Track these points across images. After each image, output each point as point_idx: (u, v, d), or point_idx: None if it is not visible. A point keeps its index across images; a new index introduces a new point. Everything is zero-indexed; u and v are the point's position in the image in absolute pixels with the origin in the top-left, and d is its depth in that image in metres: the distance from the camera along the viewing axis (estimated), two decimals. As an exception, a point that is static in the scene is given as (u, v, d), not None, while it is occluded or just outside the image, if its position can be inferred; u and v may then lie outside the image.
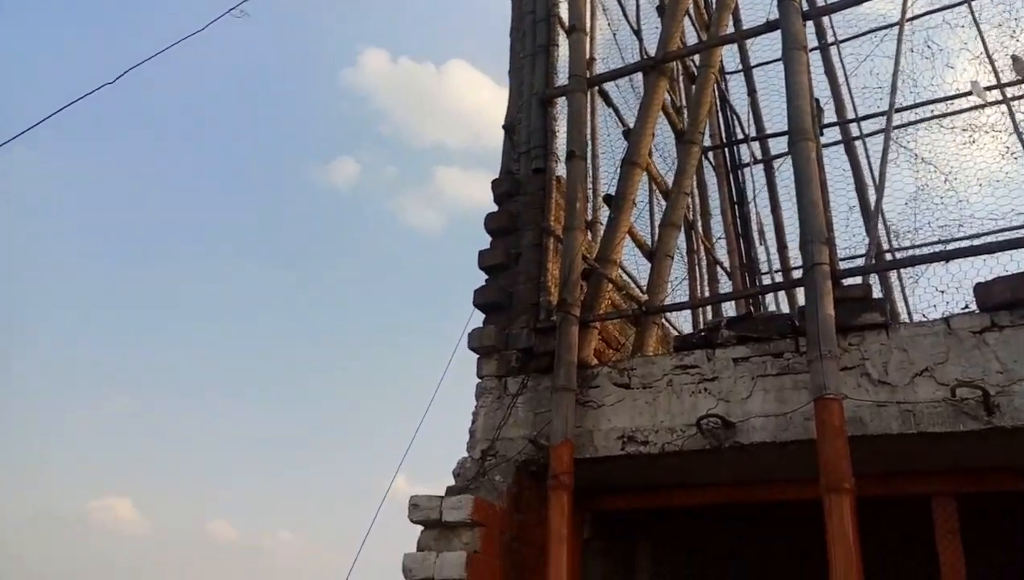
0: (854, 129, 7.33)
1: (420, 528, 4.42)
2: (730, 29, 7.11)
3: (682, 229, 6.12)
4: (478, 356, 5.07)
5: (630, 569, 5.63)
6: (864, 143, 7.14)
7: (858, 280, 4.28)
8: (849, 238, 7.12)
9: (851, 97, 7.53)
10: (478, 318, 5.22)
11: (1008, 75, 6.75)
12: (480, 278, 5.29)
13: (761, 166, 8.40)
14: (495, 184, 5.41)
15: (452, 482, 4.63)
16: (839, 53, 7.97)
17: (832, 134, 7.62)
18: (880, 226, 6.94)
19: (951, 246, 6.26)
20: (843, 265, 4.69)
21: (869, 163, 7.18)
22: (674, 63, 6.53)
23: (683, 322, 7.13)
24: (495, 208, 5.37)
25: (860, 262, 5.82)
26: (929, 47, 7.37)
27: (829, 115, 7.54)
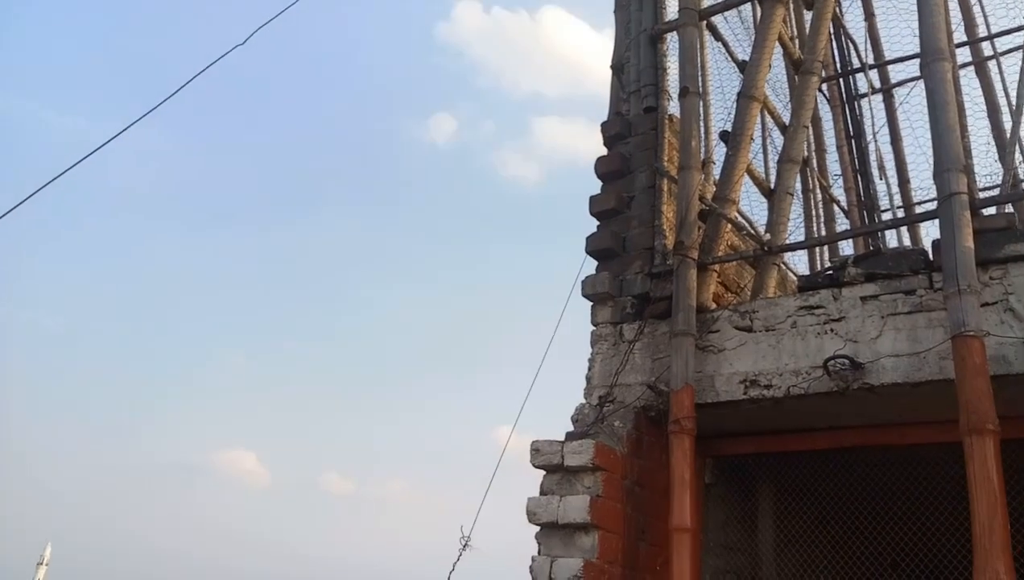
0: (986, 48, 6.84)
1: (542, 473, 4.49)
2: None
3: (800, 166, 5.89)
4: (592, 304, 5.06)
5: (751, 515, 5.60)
6: (998, 63, 6.66)
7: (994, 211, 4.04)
8: (979, 168, 6.70)
9: (983, 12, 7.00)
10: (590, 266, 5.21)
11: None
12: (589, 225, 5.26)
13: (880, 97, 7.96)
14: (605, 126, 5.33)
15: (554, 435, 4.64)
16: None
17: (960, 55, 7.13)
18: (1016, 154, 6.50)
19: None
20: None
21: (1004, 86, 6.70)
22: (787, -10, 6.21)
23: (796, 264, 6.92)
24: (593, 157, 5.31)
25: (993, 194, 5.48)
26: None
27: (957, 35, 7.05)
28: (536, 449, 4.44)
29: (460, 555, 4.26)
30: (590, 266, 5.20)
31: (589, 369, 4.98)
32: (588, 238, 5.12)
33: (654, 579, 4.50)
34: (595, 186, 5.31)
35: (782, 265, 6.17)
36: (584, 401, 4.93)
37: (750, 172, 5.31)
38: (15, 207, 4.18)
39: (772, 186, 5.43)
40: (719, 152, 5.25)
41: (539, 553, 4.30)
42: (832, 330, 4.12)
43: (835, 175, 7.86)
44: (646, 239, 4.92)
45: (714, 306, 4.72)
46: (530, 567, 4.26)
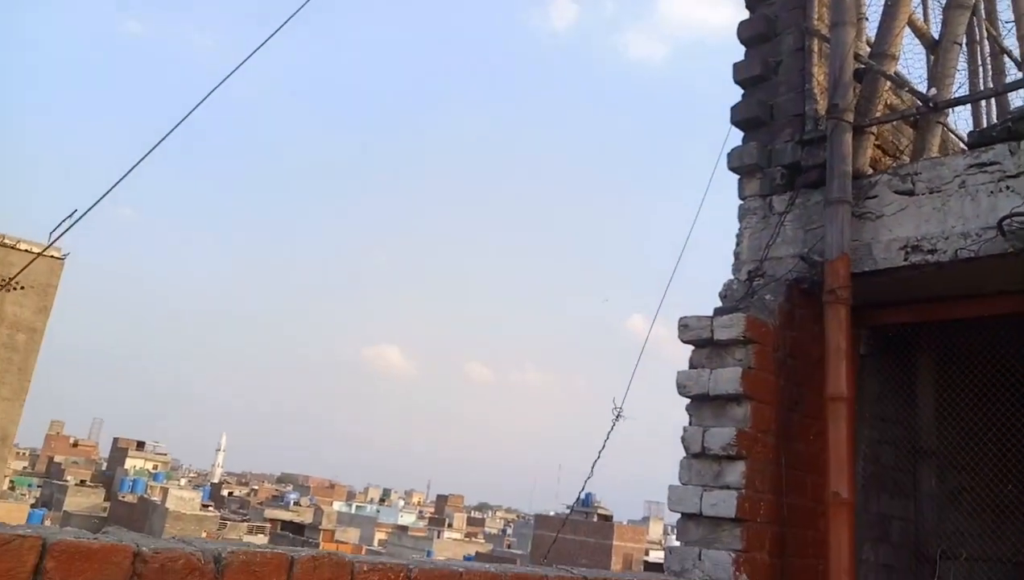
0: None
1: (690, 348, 4.56)
2: None
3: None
4: (739, 177, 4.96)
5: (909, 385, 5.48)
6: None
7: None
8: None
9: None
10: (735, 138, 5.08)
11: None
12: (730, 96, 5.09)
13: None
14: (746, -12, 5.07)
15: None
16: None
17: None
18: None
19: None
20: None
21: None
22: None
23: (957, 124, 6.45)
24: (722, 30, 5.08)
25: None
26: None
27: None
28: (684, 324, 4.49)
29: (614, 424, 4.45)
30: (735, 139, 5.07)
31: (737, 244, 4.94)
32: (733, 108, 4.97)
33: (807, 448, 4.54)
34: (724, 62, 5.12)
35: (944, 125, 5.78)
36: (732, 277, 4.91)
37: (912, 23, 4.94)
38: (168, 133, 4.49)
39: (936, 37, 5.04)
40: (872, 7, 4.91)
41: (690, 423, 4.42)
42: (1008, 188, 3.89)
43: (1007, 22, 7.16)
44: (795, 105, 4.73)
45: (871, 171, 4.53)
46: (682, 437, 4.39)
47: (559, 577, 3.16)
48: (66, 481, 68.16)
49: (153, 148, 4.41)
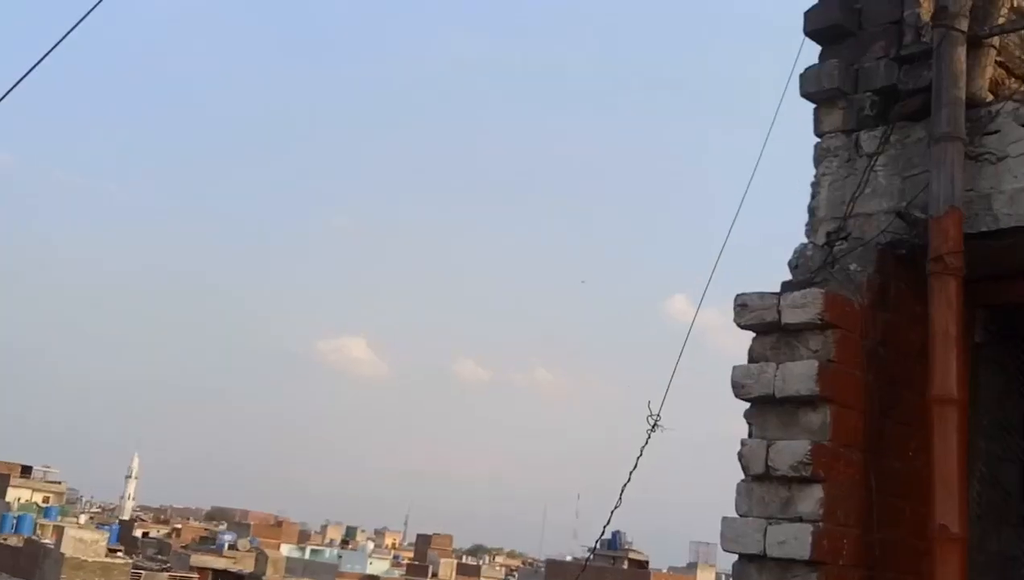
0: None
1: (750, 335, 4.55)
2: None
3: None
4: (815, 106, 4.95)
5: (1041, 384, 5.47)
6: None
7: None
8: None
9: None
10: (810, 55, 5.04)
11: None
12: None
13: None
14: None
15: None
16: None
17: None
18: None
19: None
20: None
21: None
22: None
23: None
24: None
25: None
26: None
27: None
28: (743, 304, 4.48)
29: (649, 436, 4.45)
30: (810, 55, 5.04)
31: (813, 197, 4.93)
32: (807, 14, 4.94)
33: (905, 467, 4.54)
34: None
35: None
36: (806, 241, 4.90)
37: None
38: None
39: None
40: None
41: (751, 435, 4.42)
42: None
43: None
44: (891, 9, 4.71)
45: (991, 97, 4.50)
46: (739, 453, 4.39)
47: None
48: (-72, 518, 68.62)
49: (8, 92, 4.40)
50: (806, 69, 4.91)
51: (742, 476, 4.39)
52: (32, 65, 4.48)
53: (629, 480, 4.45)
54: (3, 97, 4.55)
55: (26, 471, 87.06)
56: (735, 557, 4.39)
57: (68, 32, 4.71)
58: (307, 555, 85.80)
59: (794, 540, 4.10)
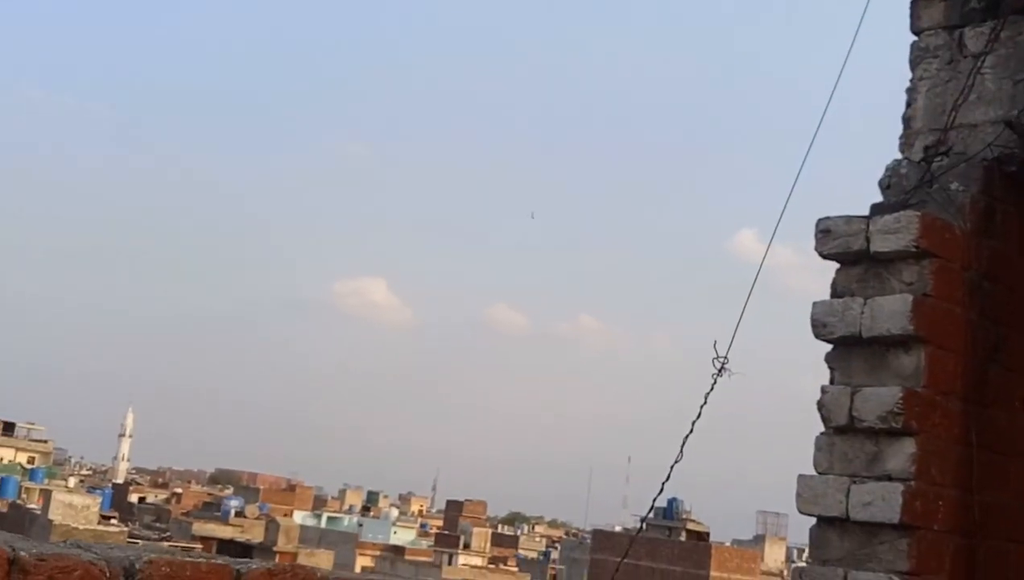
0: None
1: (834, 266, 4.53)
2: None
3: None
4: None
5: None
6: None
7: None
8: None
9: None
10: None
11: None
12: None
13: None
14: None
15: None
16: None
17: None
18: None
19: None
20: None
21: None
22: None
23: None
24: None
25: None
26: None
27: None
28: (825, 229, 4.45)
29: (715, 381, 4.44)
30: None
31: (908, 105, 4.89)
32: None
33: (1012, 419, 4.53)
34: None
35: None
36: (900, 157, 4.84)
37: None
38: None
39: None
40: None
41: (832, 381, 4.42)
42: None
43: None
44: None
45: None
46: (819, 401, 4.39)
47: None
48: (-97, 481, 70.44)
49: None
50: (902, -45, 4.84)
51: (821, 429, 4.39)
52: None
53: (691, 431, 4.45)
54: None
55: (8, 429, 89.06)
56: (809, 527, 4.40)
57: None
58: (323, 523, 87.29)
59: (881, 501, 4.11)
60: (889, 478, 4.13)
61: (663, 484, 4.48)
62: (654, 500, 4.92)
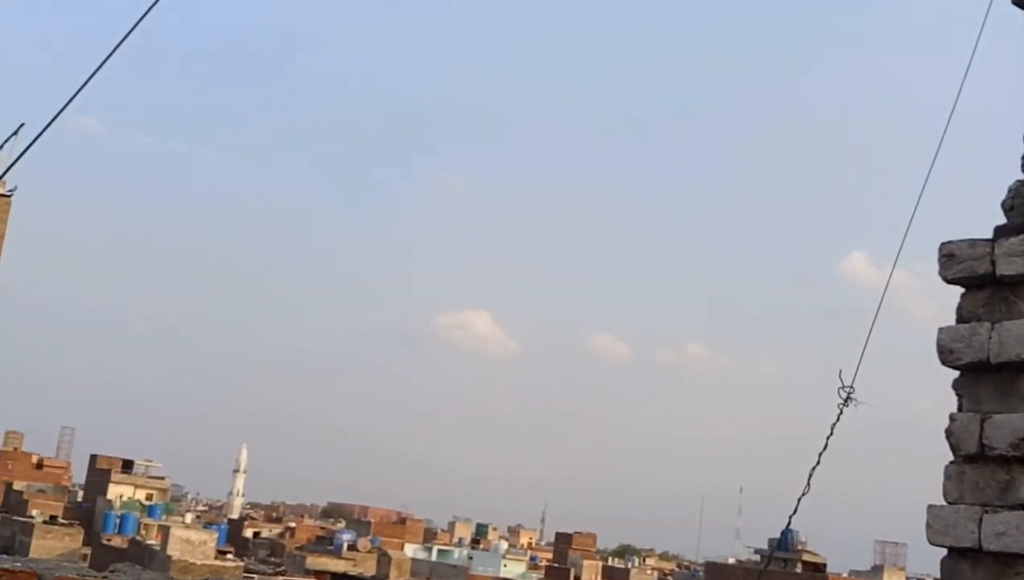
0: None
1: (956, 290, 4.46)
2: None
3: None
4: (1032, 15, 4.76)
5: None
6: None
7: None
8: None
9: None
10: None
11: None
12: None
13: None
14: None
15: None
16: None
17: None
18: None
19: None
20: None
21: None
22: None
23: None
24: None
25: None
26: None
27: None
28: (949, 253, 4.39)
29: (842, 410, 4.38)
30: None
31: (1030, 124, 4.75)
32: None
33: None
34: None
35: None
36: (1022, 177, 4.74)
37: None
38: None
39: None
40: None
41: (960, 408, 4.35)
42: None
43: None
44: None
45: None
46: (947, 429, 4.32)
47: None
48: (31, 517, 72.55)
49: (113, 50, 4.57)
50: (1020, -28, 4.74)
51: (950, 458, 4.31)
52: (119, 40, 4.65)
53: (819, 462, 4.38)
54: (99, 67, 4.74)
55: (127, 466, 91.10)
56: (939, 557, 4.31)
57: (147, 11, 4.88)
58: (434, 556, 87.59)
59: (1016, 531, 4.02)
60: (1023, 507, 4.04)
61: (790, 517, 4.41)
62: (782, 533, 4.84)
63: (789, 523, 4.48)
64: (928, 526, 4.31)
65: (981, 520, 4.13)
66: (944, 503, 4.28)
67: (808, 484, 4.39)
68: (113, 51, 4.76)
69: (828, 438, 4.42)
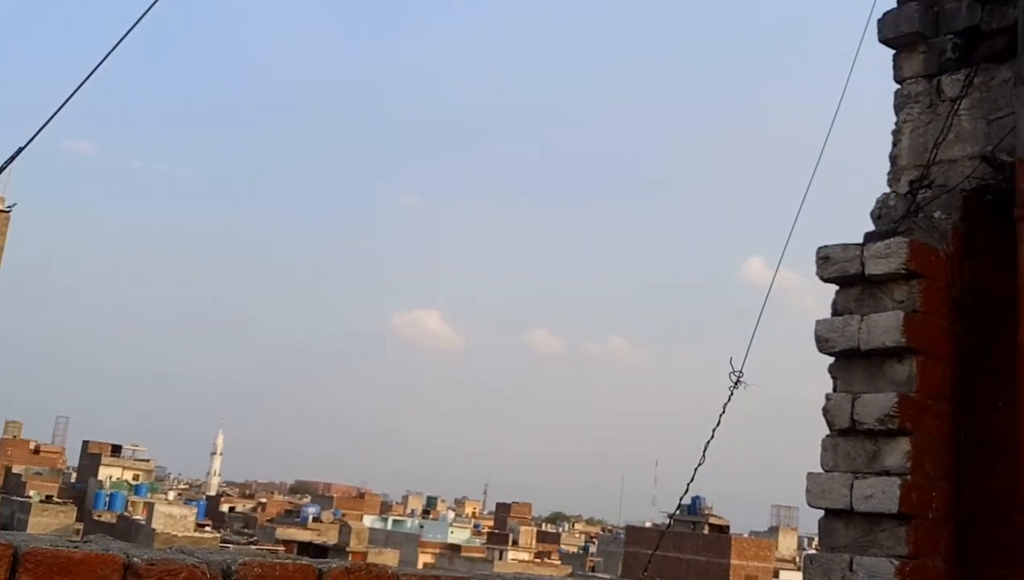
0: None
1: (833, 288, 4.50)
2: None
3: None
4: (894, 52, 4.84)
5: None
6: None
7: None
8: None
9: None
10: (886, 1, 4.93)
11: None
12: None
13: None
14: None
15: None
16: None
17: None
18: None
19: None
20: None
21: None
22: None
23: None
24: None
25: None
26: None
27: None
28: (825, 256, 4.43)
29: (732, 393, 4.42)
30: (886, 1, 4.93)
31: (894, 145, 4.84)
32: (883, -43, 4.82)
33: (996, 418, 4.46)
34: None
35: None
36: (888, 190, 4.81)
37: None
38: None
39: None
40: None
41: (835, 389, 4.38)
42: None
43: None
44: (972, -53, 4.57)
45: (1081, 33, 4.36)
46: (824, 407, 4.36)
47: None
48: (28, 497, 71.14)
49: (95, 68, 4.48)
50: (884, 14, 4.81)
51: (826, 432, 4.35)
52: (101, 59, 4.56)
53: (712, 437, 4.43)
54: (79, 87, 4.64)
55: (116, 451, 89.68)
56: (818, 518, 4.36)
57: (132, 26, 4.78)
58: (389, 525, 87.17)
59: (881, 494, 4.06)
60: (888, 473, 4.09)
61: (688, 485, 4.47)
62: (680, 499, 4.88)
63: (687, 490, 4.53)
64: (808, 491, 4.35)
65: (852, 485, 4.17)
66: (822, 471, 4.32)
67: (704, 456, 4.44)
68: (94, 69, 4.63)
69: (720, 416, 4.46)
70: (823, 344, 4.39)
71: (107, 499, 72.00)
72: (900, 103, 4.81)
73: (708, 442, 4.41)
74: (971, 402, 4.39)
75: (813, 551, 4.91)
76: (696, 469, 4.47)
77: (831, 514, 4.27)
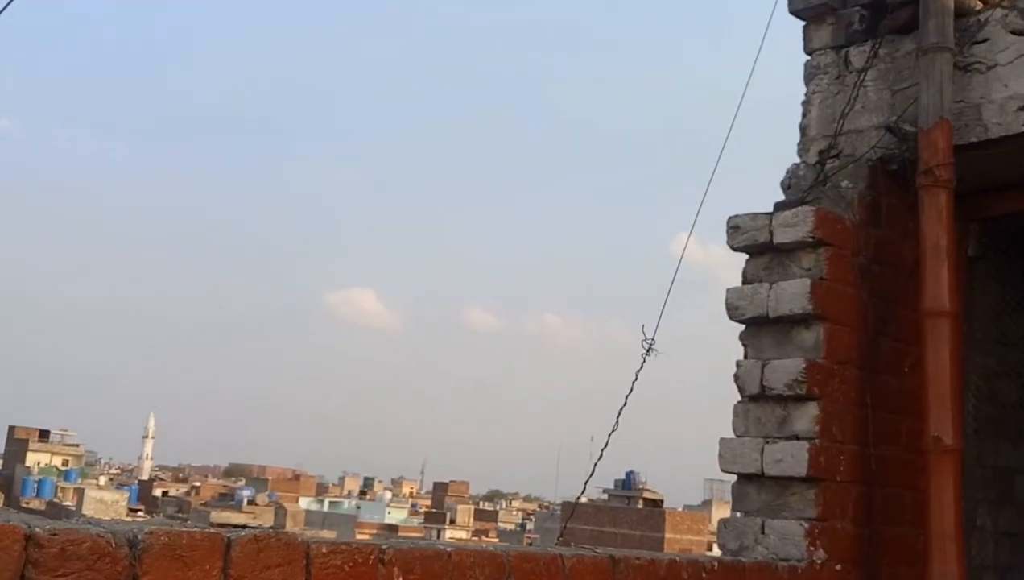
0: None
1: (743, 257, 4.56)
2: None
3: None
4: (803, 23, 4.91)
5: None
6: None
7: None
8: None
9: None
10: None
11: None
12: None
13: None
14: None
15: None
16: None
17: None
18: None
19: None
20: None
21: None
22: None
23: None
24: None
25: None
26: None
27: None
28: (735, 226, 4.48)
29: (644, 360, 4.46)
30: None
31: (803, 116, 4.91)
32: (793, -71, 4.87)
33: (901, 383, 4.57)
34: None
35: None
36: (798, 160, 4.88)
37: None
38: None
39: None
40: None
41: (745, 356, 4.44)
42: None
43: None
44: (877, -79, 4.64)
45: (980, 6, 4.46)
46: (735, 374, 4.42)
47: (578, 558, 3.20)
48: (-49, 485, 69.51)
49: None
50: (793, -14, 4.86)
51: (738, 397, 4.41)
52: None
53: (625, 404, 4.48)
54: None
55: (44, 435, 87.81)
56: (734, 478, 4.43)
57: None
58: (326, 507, 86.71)
59: (791, 458, 4.14)
60: (797, 438, 4.16)
61: (602, 450, 4.51)
62: (595, 464, 4.91)
63: (601, 456, 4.57)
64: (721, 456, 4.41)
65: (763, 450, 4.23)
66: (733, 436, 4.39)
67: (616, 422, 4.49)
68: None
69: (633, 382, 4.50)
70: (733, 312, 4.45)
71: (35, 485, 70.63)
72: (809, 74, 4.88)
73: (621, 408, 4.46)
74: (877, 367, 4.49)
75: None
76: (609, 435, 4.52)
77: (743, 479, 4.35)
